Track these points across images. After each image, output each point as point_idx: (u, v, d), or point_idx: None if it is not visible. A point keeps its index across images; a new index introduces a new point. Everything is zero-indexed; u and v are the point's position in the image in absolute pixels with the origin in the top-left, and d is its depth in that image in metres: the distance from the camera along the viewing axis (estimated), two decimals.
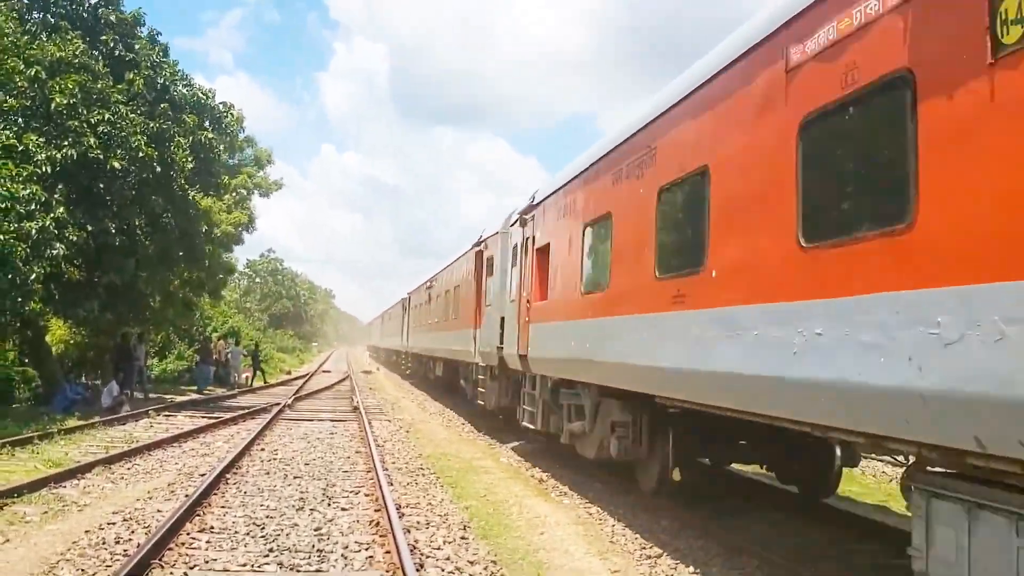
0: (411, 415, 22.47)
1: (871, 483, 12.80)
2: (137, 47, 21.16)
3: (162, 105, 20.84)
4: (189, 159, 21.18)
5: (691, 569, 7.53)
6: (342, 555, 7.45)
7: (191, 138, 21.65)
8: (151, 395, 24.70)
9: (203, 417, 19.34)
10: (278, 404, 22.31)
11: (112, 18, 20.97)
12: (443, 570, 7.09)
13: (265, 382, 35.55)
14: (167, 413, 20.06)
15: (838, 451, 9.33)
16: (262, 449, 14.20)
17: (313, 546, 7.72)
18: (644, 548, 8.28)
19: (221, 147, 24.40)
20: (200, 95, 22.86)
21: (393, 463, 13.18)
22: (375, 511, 9.30)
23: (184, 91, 22.25)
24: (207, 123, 23.03)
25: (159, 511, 9.04)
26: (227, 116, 24.24)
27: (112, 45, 20.60)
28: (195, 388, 29.05)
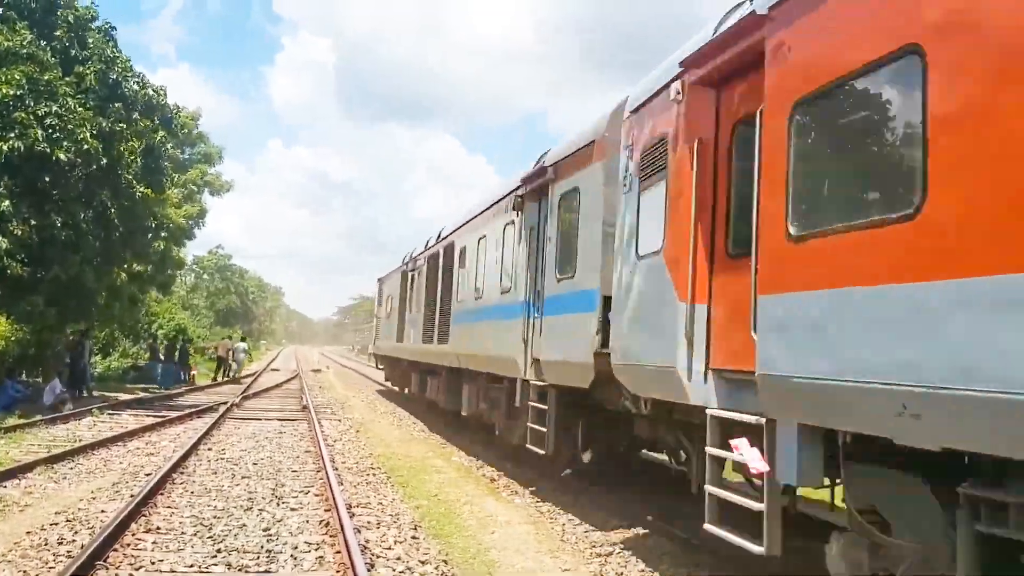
0: (361, 414, 22.35)
1: None
2: (91, 41, 20.73)
3: (115, 105, 20.46)
4: (137, 158, 20.89)
5: (640, 566, 7.63)
6: (291, 555, 7.40)
7: (143, 141, 21.30)
8: (94, 393, 24.21)
9: (148, 415, 19.00)
10: (225, 403, 21.99)
11: (70, 18, 20.54)
12: (394, 570, 7.08)
13: (216, 380, 35.05)
14: (111, 411, 19.66)
15: None
16: (209, 448, 14.00)
17: (262, 546, 7.65)
18: (595, 546, 8.36)
19: (170, 145, 24.09)
20: (152, 93, 22.45)
21: (343, 463, 13.11)
22: (325, 511, 9.25)
23: (136, 88, 21.84)
24: (157, 122, 22.65)
25: (103, 511, 8.88)
26: (176, 117, 23.95)
27: (68, 44, 20.19)
28: (141, 387, 28.58)
